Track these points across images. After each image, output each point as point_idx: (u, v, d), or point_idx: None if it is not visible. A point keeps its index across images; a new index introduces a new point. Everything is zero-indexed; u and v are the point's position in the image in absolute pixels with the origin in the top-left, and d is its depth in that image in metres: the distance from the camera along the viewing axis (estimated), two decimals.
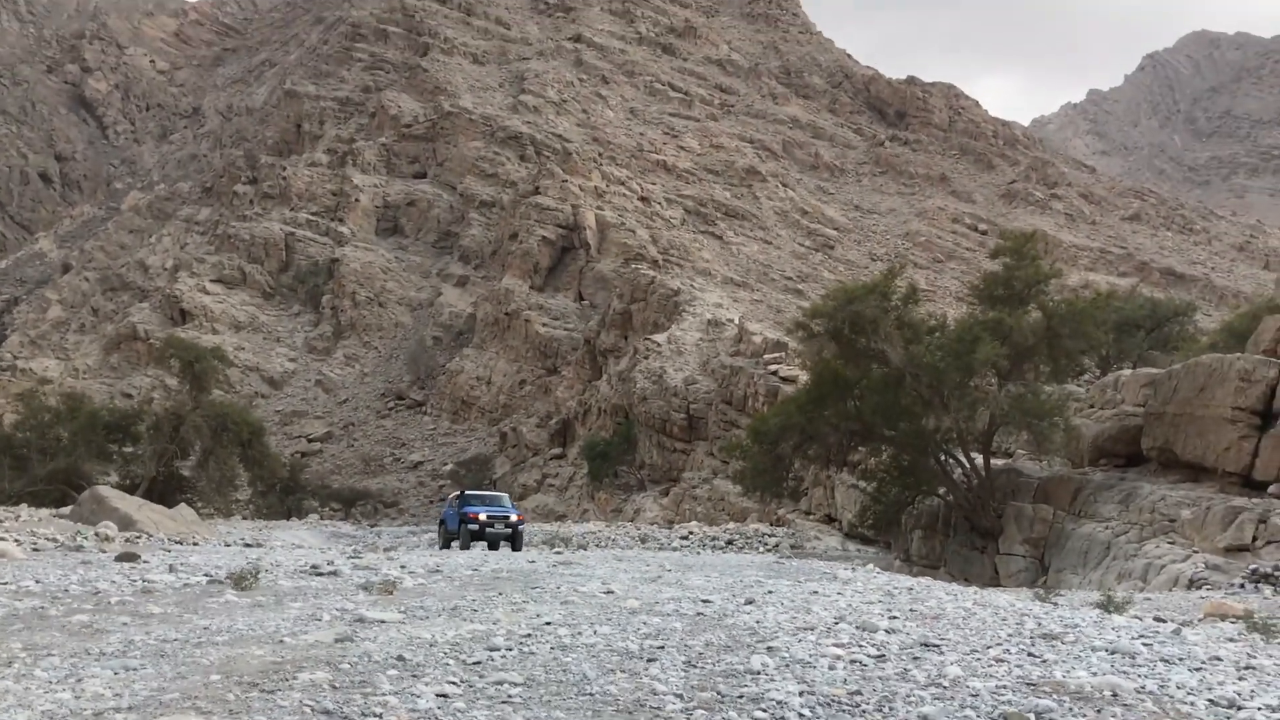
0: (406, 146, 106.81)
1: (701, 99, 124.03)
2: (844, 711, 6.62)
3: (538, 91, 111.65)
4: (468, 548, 31.72)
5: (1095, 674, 7.69)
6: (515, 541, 32.32)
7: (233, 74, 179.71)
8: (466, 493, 35.68)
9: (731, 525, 43.55)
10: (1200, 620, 13.43)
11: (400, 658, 7.99)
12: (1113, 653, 8.77)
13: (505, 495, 37.61)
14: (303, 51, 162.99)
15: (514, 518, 32.79)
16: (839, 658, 8.15)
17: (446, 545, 33.48)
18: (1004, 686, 7.28)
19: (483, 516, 32.08)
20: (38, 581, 13.85)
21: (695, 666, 7.93)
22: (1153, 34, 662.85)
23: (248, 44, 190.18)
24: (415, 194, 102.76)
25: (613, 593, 13.03)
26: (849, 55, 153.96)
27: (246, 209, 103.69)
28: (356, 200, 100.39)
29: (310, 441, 77.61)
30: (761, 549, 36.18)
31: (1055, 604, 14.22)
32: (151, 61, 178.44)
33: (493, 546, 32.10)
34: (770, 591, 13.54)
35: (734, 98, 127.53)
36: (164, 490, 48.36)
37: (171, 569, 16.59)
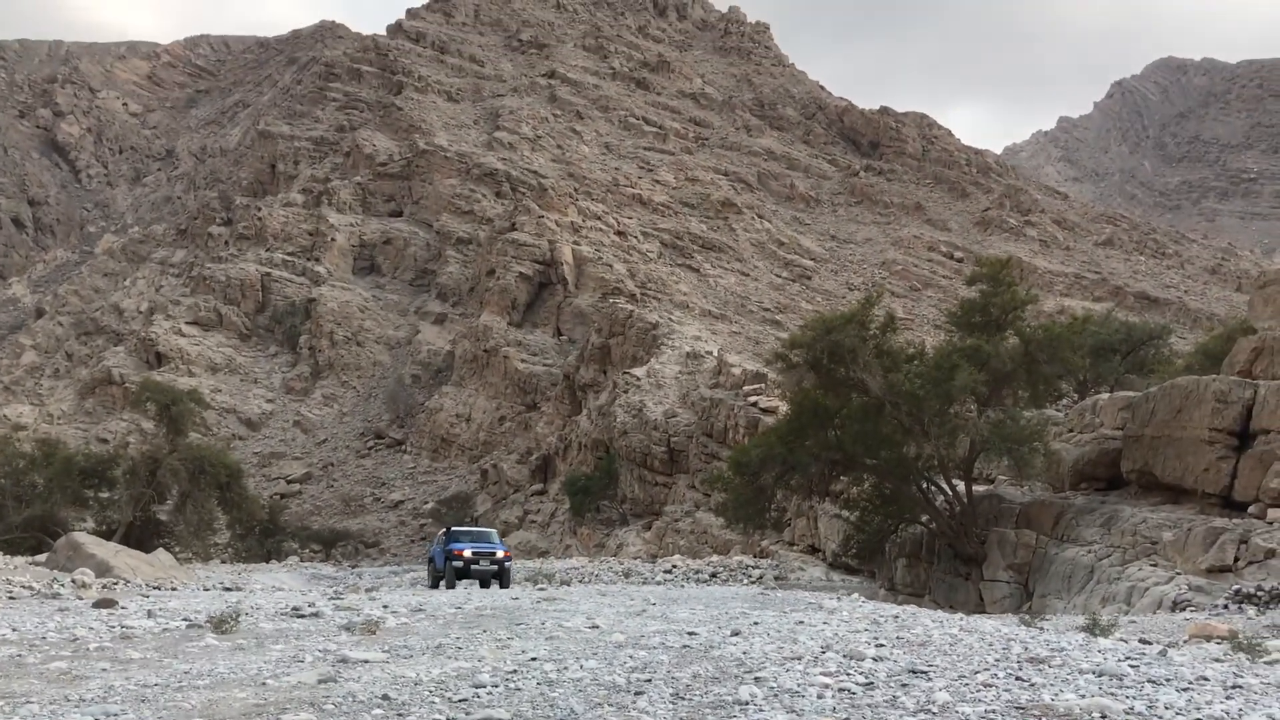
0: (382, 185, 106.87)
1: (676, 132, 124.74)
2: None
3: (512, 128, 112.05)
4: (453, 586, 31.12)
5: (1084, 696, 7.69)
6: (502, 578, 31.84)
7: (206, 115, 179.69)
8: (452, 529, 35.38)
9: (715, 558, 43.39)
10: (1186, 641, 13.45)
11: (385, 696, 7.90)
12: (1100, 675, 8.77)
13: (493, 531, 37.63)
14: (276, 92, 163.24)
15: (500, 554, 32.46)
16: (827, 686, 8.11)
17: (435, 584, 32.98)
18: (993, 711, 7.26)
19: (467, 553, 31.75)
20: (14, 629, 13.65)
21: (683, 699, 7.87)
22: (1120, 61, 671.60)
23: (221, 85, 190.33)
24: (391, 232, 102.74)
25: (598, 627, 12.94)
26: (822, 87, 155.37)
27: (222, 250, 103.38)
28: (332, 240, 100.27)
29: (289, 483, 77.06)
30: (746, 581, 36.05)
31: (1041, 628, 14.21)
32: (124, 104, 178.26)
33: (483, 584, 31.67)
34: (756, 623, 13.48)
35: (708, 131, 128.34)
36: (141, 535, 47.85)
37: (150, 614, 16.39)
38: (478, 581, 32.08)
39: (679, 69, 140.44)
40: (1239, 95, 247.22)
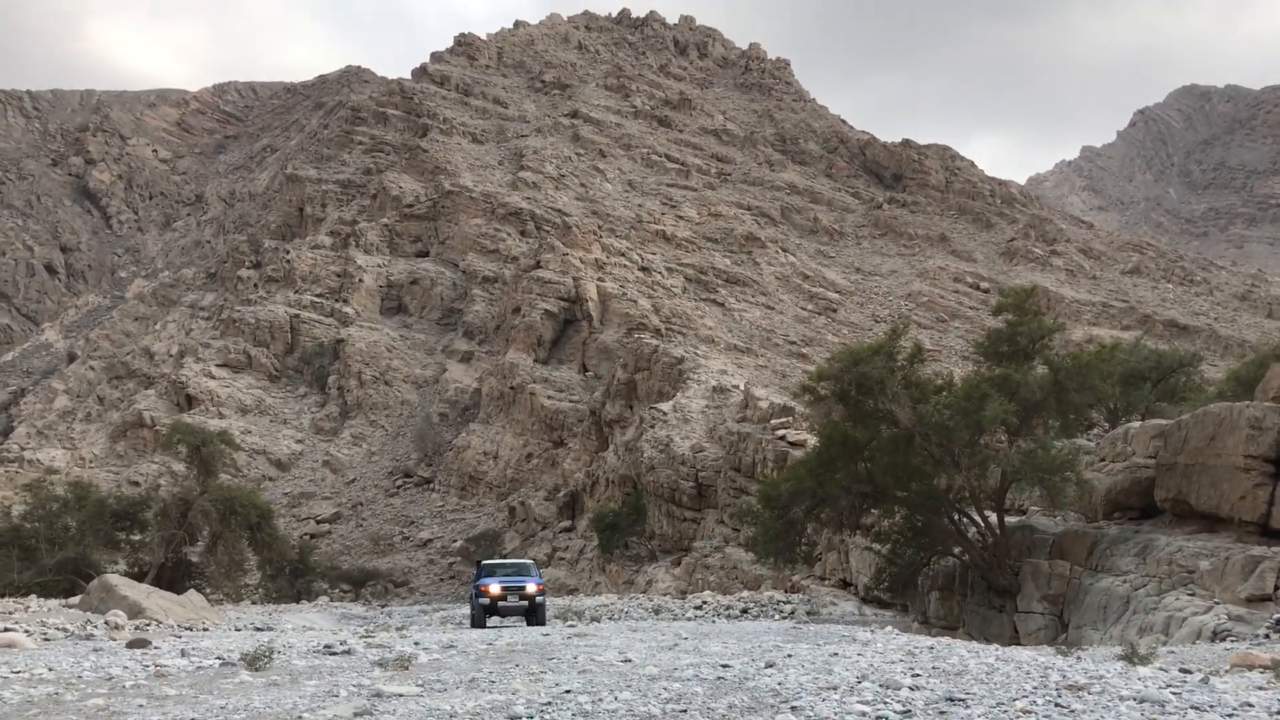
0: (408, 226, 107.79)
1: (698, 169, 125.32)
2: None
3: (536, 167, 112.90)
4: (481, 625, 29.11)
5: None
6: (536, 614, 29.74)
7: (234, 160, 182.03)
8: (483, 563, 33.29)
9: (746, 593, 43.08)
10: (1227, 670, 13.24)
11: None
12: (1141, 701, 8.64)
13: (530, 564, 34.80)
14: (303, 136, 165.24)
15: (531, 588, 30.05)
16: (864, 714, 8.03)
17: (475, 623, 30.45)
18: None
19: (494, 589, 29.46)
20: (50, 669, 13.71)
21: None
22: (1142, 90, 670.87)
23: (249, 131, 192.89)
24: (418, 272, 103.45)
25: (630, 661, 12.87)
26: (843, 120, 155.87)
27: (251, 293, 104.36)
28: (360, 280, 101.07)
29: (319, 523, 77.20)
30: (777, 616, 35.75)
31: (1078, 657, 14.03)
32: (154, 151, 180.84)
33: (528, 621, 29.78)
34: (790, 655, 13.38)
35: (731, 166, 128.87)
36: (173, 577, 47.99)
37: (184, 653, 16.44)
38: (516, 618, 30.25)
39: (700, 106, 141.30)
40: (1264, 121, 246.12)
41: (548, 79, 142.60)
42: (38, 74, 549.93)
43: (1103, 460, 32.03)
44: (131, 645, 18.32)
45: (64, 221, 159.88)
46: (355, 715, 8.77)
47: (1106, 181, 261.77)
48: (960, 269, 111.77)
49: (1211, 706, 8.53)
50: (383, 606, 56.15)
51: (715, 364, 71.99)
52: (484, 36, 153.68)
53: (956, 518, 30.89)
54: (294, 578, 61.58)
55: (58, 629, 23.29)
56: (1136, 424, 33.80)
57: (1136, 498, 29.10)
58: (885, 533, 33.39)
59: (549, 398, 79.31)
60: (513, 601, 29.59)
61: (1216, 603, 22.16)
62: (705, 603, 39.78)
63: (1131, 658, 13.52)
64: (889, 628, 23.26)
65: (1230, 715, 8.20)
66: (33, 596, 37.94)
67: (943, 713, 8.16)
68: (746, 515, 36.96)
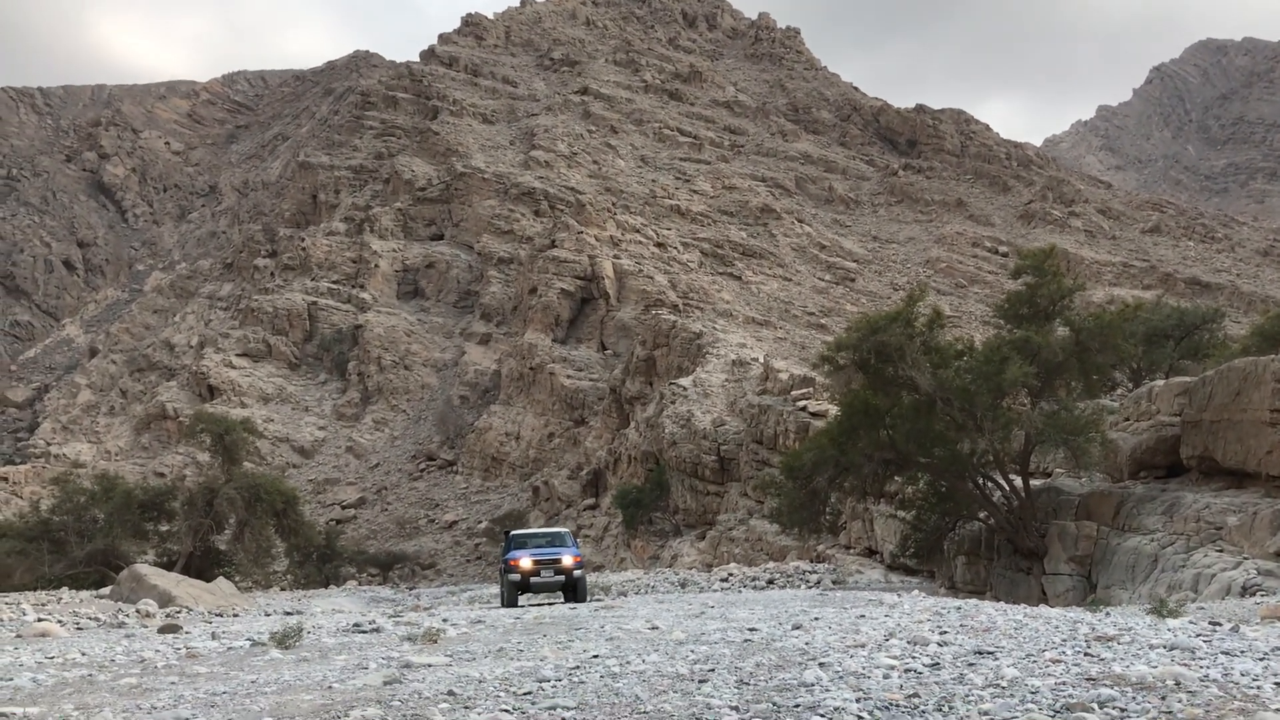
0: (422, 209, 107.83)
1: (711, 141, 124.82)
2: (904, 713, 6.51)
3: (548, 146, 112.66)
4: (512, 604, 26.22)
5: (1155, 666, 7.55)
6: (575, 590, 26.81)
7: (246, 150, 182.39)
8: (512, 533, 29.77)
9: (771, 564, 43.10)
10: (1258, 622, 13.17)
11: (450, 693, 7.94)
12: (1171, 649, 8.62)
13: (565, 532, 30.78)
14: (314, 123, 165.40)
15: (568, 560, 26.87)
16: (893, 668, 8.03)
17: (508, 602, 27.50)
18: (1064, 683, 7.15)
19: (526, 563, 26.41)
20: (84, 654, 13.85)
21: (748, 684, 7.84)
22: (1157, 46, 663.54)
23: (259, 120, 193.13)
24: (434, 256, 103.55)
25: (658, 628, 12.92)
26: (855, 88, 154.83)
27: (268, 282, 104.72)
28: (376, 266, 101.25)
29: (344, 508, 77.66)
30: (803, 586, 35.77)
31: (1107, 613, 13.99)
32: (166, 143, 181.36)
33: (566, 598, 27.02)
34: (817, 618, 13.39)
35: (744, 138, 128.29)
36: (201, 565, 48.34)
37: (214, 636, 16.59)
38: (552, 596, 27.60)
39: (711, 78, 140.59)
40: None
41: (556, 56, 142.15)
42: (47, 71, 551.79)
43: (1127, 420, 31.85)
44: (163, 631, 18.49)
45: (80, 217, 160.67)
46: (385, 684, 8.82)
47: (1124, 140, 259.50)
48: (978, 233, 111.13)
49: (1242, 652, 8.50)
50: (410, 589, 56.50)
51: (734, 337, 71.87)
52: (491, 16, 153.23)
53: (981, 482, 30.78)
54: (321, 563, 62.00)
55: (90, 618, 23.53)
56: (1160, 382, 33.57)
57: (1162, 456, 28.94)
58: (909, 499, 33.33)
59: (568, 377, 79.41)
60: (547, 576, 26.46)
61: (1245, 558, 22.07)
62: (731, 575, 39.83)
63: (1160, 610, 13.47)
64: (916, 592, 23.25)
65: (1261, 659, 8.16)
66: (64, 589, 38.31)
67: (971, 664, 8.14)
68: (770, 487, 36.92)
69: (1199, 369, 35.83)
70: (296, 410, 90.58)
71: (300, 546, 57.63)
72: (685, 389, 60.96)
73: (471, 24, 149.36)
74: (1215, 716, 6.18)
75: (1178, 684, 6.98)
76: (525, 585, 26.54)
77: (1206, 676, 7.28)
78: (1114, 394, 40.14)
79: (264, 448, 76.18)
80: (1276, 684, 7.06)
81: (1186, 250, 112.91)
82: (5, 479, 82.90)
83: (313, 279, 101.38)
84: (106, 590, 34.74)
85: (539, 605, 25.88)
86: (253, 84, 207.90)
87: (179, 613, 27.32)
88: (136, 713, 8.10)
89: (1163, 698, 6.64)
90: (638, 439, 63.13)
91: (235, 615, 27.68)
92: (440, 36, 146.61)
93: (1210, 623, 12.70)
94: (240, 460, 53.84)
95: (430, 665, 10.14)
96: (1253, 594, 19.70)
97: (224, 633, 17.43)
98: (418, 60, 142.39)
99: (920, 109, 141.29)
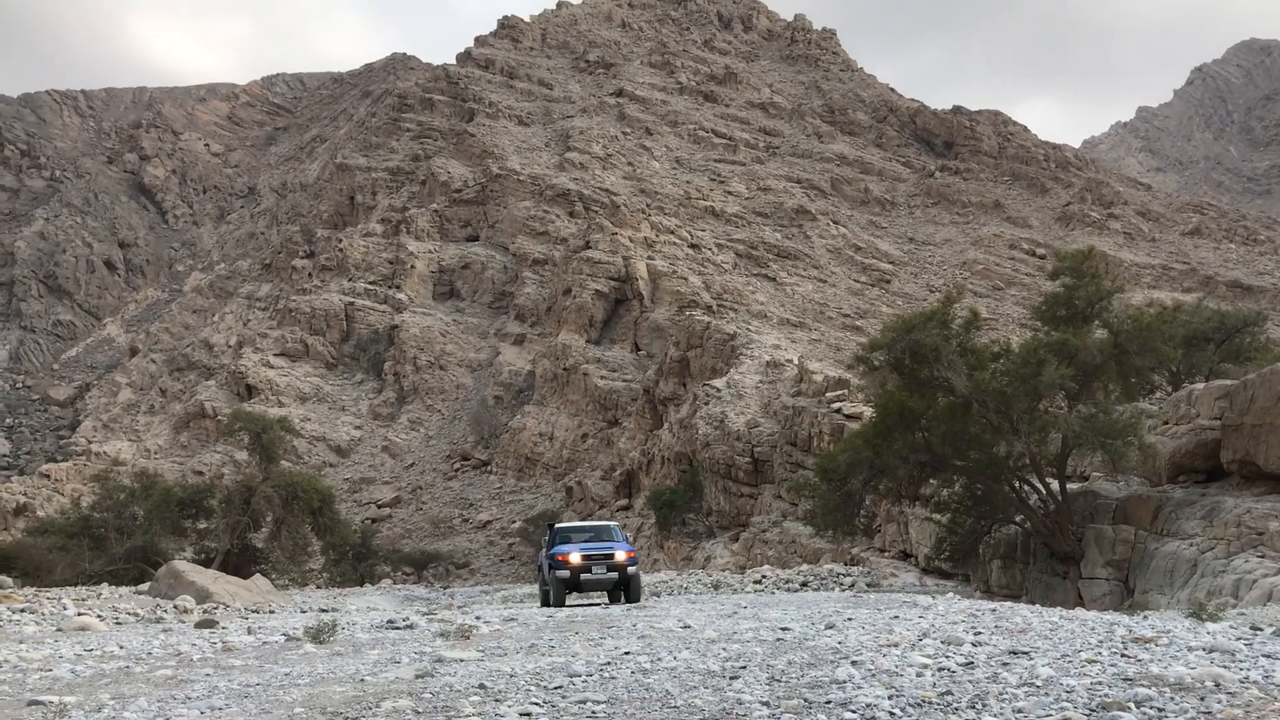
0: (458, 211, 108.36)
1: (746, 143, 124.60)
2: (937, 710, 6.46)
3: (583, 148, 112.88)
4: (560, 603, 24.12)
5: (1194, 668, 7.45)
6: (628, 589, 24.63)
7: (285, 152, 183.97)
8: (556, 526, 27.77)
9: (805, 567, 42.91)
10: None
11: (482, 686, 7.97)
12: (1211, 651, 8.51)
13: (614, 525, 28.33)
14: (352, 125, 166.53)
15: (621, 555, 24.71)
16: (926, 667, 7.98)
17: (546, 602, 25.51)
18: (1099, 683, 7.07)
19: (575, 558, 24.12)
20: (121, 647, 14.02)
21: (779, 681, 7.81)
22: (1198, 46, 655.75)
23: (298, 122, 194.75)
24: (469, 257, 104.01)
25: (690, 627, 12.91)
26: (892, 89, 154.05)
27: (305, 282, 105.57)
28: (412, 267, 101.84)
29: (379, 507, 78.14)
30: (837, 589, 35.61)
31: (1145, 616, 13.84)
32: (206, 145, 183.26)
33: (611, 599, 25.01)
34: (850, 619, 13.33)
35: (779, 139, 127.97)
36: (239, 562, 48.78)
37: (250, 631, 16.73)
38: (602, 595, 25.68)
39: (746, 80, 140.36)
40: None
41: (592, 58, 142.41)
42: (91, 74, 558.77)
43: (1166, 423, 31.47)
44: (200, 626, 18.66)
45: (121, 218, 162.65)
46: (417, 677, 8.87)
47: (1164, 142, 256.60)
48: (1015, 235, 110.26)
49: None
50: (445, 588, 56.75)
51: (768, 339, 71.67)
52: (527, 18, 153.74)
53: (1017, 485, 30.51)
54: (357, 561, 62.38)
55: (129, 613, 23.79)
56: (1200, 386, 33.15)
57: (1201, 460, 28.57)
58: (945, 502, 33.08)
59: (602, 378, 79.50)
60: (599, 573, 24.20)
61: None
62: (764, 577, 39.69)
63: (1200, 614, 13.30)
64: (950, 595, 23.10)
65: None
66: (104, 585, 38.76)
67: (1005, 664, 8.08)
68: (804, 488, 36.75)
69: (1240, 372, 35.34)
70: (333, 410, 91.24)
71: (336, 545, 58.01)
72: (719, 390, 60.86)
73: (508, 26, 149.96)
74: (1256, 717, 6.09)
75: (1217, 685, 6.89)
76: (575, 583, 24.26)
77: (1247, 678, 7.18)
78: (1153, 397, 39.68)
79: (301, 447, 76.85)
80: None
81: (1228, 253, 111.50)
82: (47, 476, 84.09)
83: (350, 280, 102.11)
84: (145, 586, 35.12)
85: (588, 605, 24.64)
86: (291, 86, 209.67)
87: (216, 609, 27.57)
88: (171, 702, 8.18)
89: (1201, 698, 6.55)
90: (671, 440, 63.09)
91: (271, 612, 27.90)
92: (476, 39, 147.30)
93: (1251, 627, 12.52)
94: (277, 459, 54.26)
95: (462, 660, 10.18)
96: None
97: (259, 628, 17.58)
98: (454, 63, 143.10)
99: (957, 110, 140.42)
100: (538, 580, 26.71)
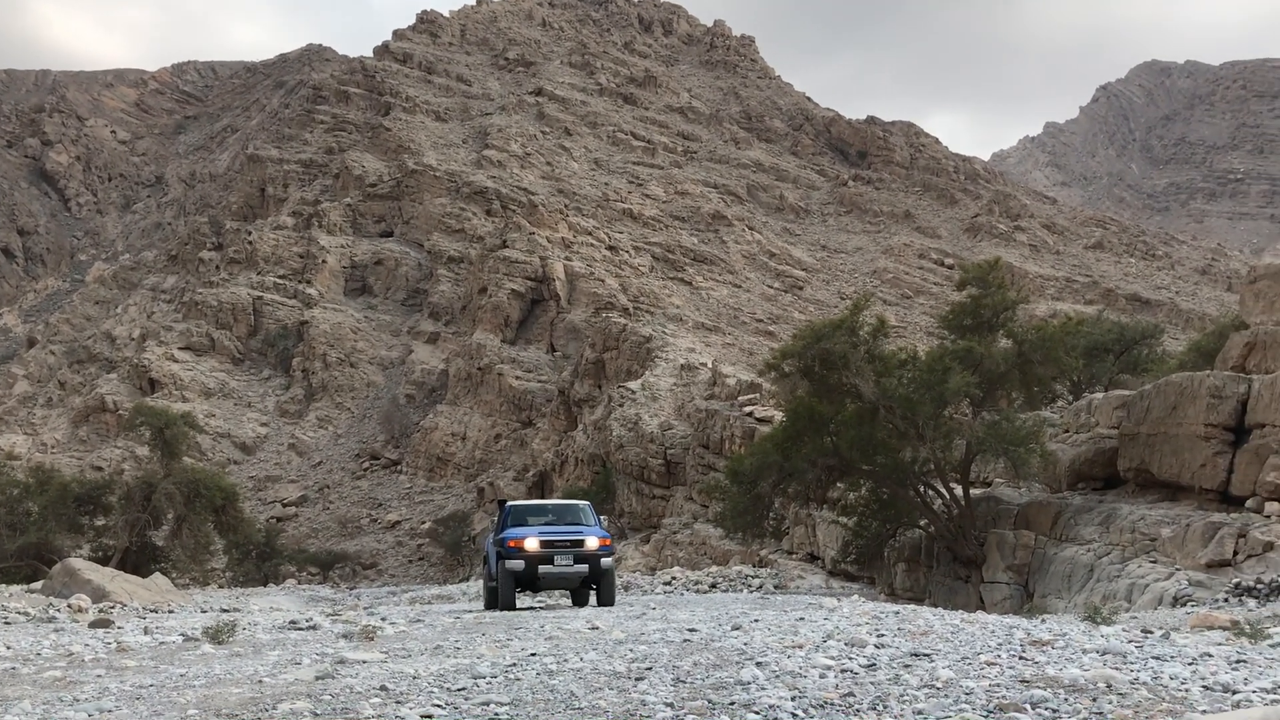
0: (372, 206, 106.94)
1: (664, 146, 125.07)
2: (839, 711, 6.55)
3: (501, 146, 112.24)
4: (510, 605, 19.35)
5: (1088, 670, 7.68)
6: (600, 585, 19.76)
7: (195, 141, 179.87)
8: (510, 505, 22.07)
9: (714, 568, 43.19)
10: (1188, 631, 13.41)
11: (383, 688, 7.87)
12: (1104, 653, 8.77)
13: (584, 505, 22.73)
14: (264, 116, 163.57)
15: (592, 542, 19.71)
16: (829, 668, 8.09)
17: (492, 603, 20.44)
18: (998, 685, 7.24)
19: (531, 544, 19.24)
20: (8, 647, 13.56)
21: (684, 682, 7.86)
22: (1105, 66, 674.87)
23: (209, 111, 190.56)
24: (382, 253, 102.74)
25: (597, 628, 12.90)
26: (808, 98, 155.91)
27: (213, 275, 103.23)
28: (323, 261, 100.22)
29: (285, 506, 76.80)
30: (746, 590, 35.90)
31: (1043, 619, 14.18)
32: (112, 132, 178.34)
33: (576, 600, 20.92)
34: (756, 620, 13.46)
35: (697, 144, 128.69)
36: (138, 561, 47.59)
37: (147, 631, 16.31)
38: (566, 593, 21.45)
39: (666, 84, 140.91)
40: (1223, 96, 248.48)
41: (511, 56, 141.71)
42: None
43: (1066, 431, 32.34)
44: (94, 625, 18.14)
45: (21, 204, 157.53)
46: (317, 679, 8.71)
47: (1070, 157, 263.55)
48: (925, 245, 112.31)
49: (1172, 657, 8.66)
50: (351, 589, 56.04)
51: (683, 342, 72.04)
52: (446, 14, 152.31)
53: (922, 490, 31.11)
54: (261, 561, 61.33)
55: (19, 613, 23.01)
56: (1100, 395, 34.11)
57: (1100, 468, 29.43)
58: (851, 506, 33.59)
59: (517, 378, 79.14)
60: (562, 565, 19.26)
61: (1178, 569, 22.47)
62: (674, 578, 39.86)
63: (1095, 618, 13.67)
64: (855, 597, 23.42)
65: (1190, 664, 8.32)
66: None
67: (908, 666, 8.22)
68: (715, 491, 37.11)
69: (1137, 383, 36.42)
70: (239, 406, 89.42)
71: (239, 544, 56.99)
72: (634, 392, 61.02)
73: (426, 21, 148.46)
74: (1144, 717, 6.28)
75: (1109, 686, 7.10)
76: (531, 578, 19.41)
77: (1137, 679, 7.41)
78: (1054, 406, 40.71)
79: (205, 443, 75.13)
80: (1204, 687, 7.21)
81: (1128, 267, 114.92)
82: None
83: (259, 273, 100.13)
84: (38, 585, 34.05)
85: (548, 608, 20.65)
86: (202, 74, 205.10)
87: (112, 608, 26.82)
88: (58, 705, 7.92)
89: (1094, 699, 6.74)
90: (585, 441, 63.08)
91: (170, 611, 27.22)
92: (395, 33, 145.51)
93: (1142, 630, 12.90)
94: (180, 455, 53.07)
95: (365, 661, 10.04)
96: (1184, 604, 20.06)
97: (157, 628, 17.14)
98: (371, 56, 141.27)
99: (871, 120, 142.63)
100: (482, 575, 21.13)
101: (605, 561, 19.60)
